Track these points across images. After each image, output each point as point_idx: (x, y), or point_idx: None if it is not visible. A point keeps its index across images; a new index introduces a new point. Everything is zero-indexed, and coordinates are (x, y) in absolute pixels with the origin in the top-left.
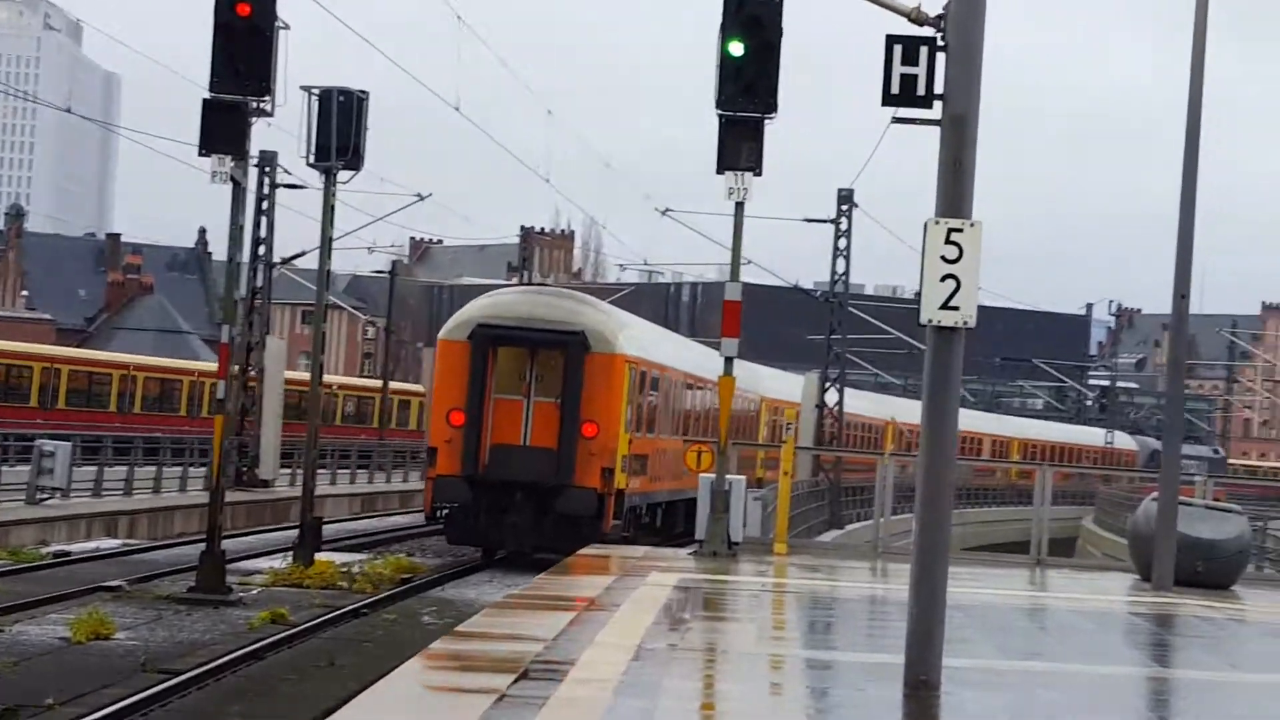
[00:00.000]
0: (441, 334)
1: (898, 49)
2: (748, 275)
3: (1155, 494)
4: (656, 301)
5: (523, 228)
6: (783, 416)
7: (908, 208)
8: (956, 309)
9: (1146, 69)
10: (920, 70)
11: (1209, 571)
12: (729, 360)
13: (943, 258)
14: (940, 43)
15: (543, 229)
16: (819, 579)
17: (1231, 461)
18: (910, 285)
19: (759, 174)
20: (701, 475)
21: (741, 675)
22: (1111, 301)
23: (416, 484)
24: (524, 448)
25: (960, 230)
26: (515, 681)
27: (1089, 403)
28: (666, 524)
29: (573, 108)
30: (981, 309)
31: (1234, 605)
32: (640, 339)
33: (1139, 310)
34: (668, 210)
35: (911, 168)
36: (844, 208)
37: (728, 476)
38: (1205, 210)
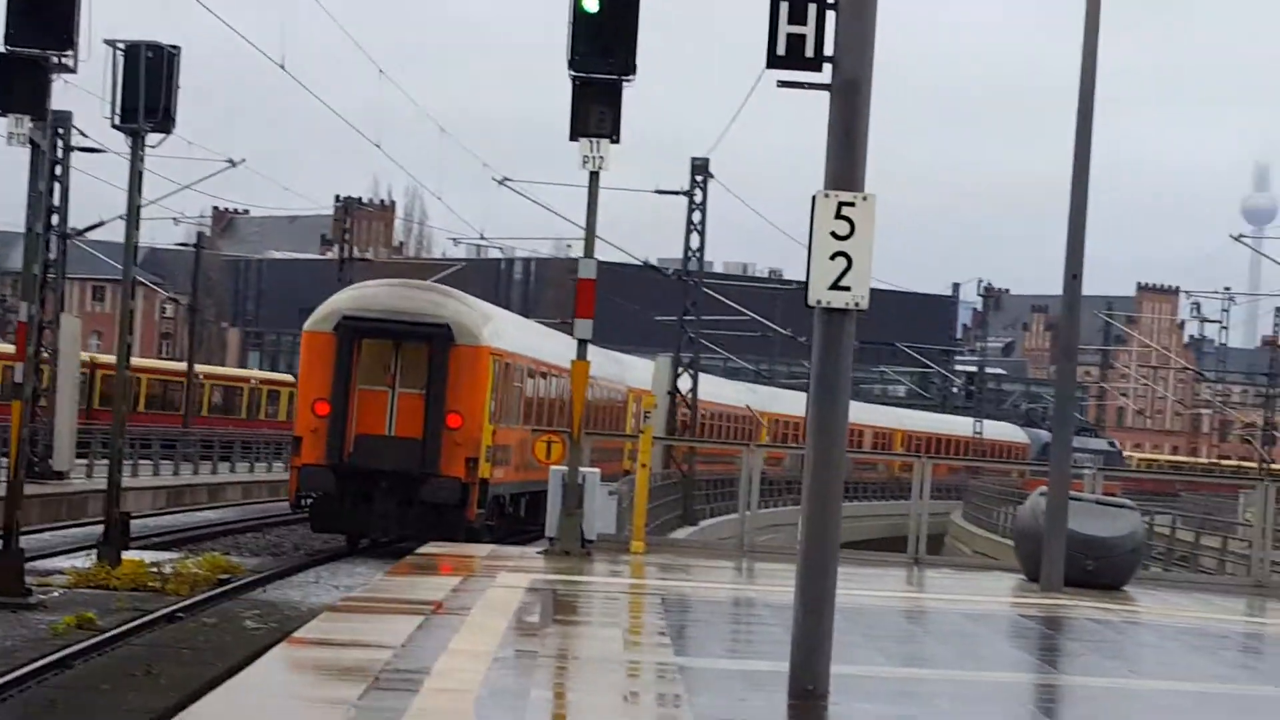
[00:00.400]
0: (307, 325)
1: (784, 6)
2: (609, 253)
3: (1043, 489)
4: (487, 278)
5: (338, 198)
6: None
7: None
8: (848, 289)
9: (1036, 46)
10: (809, 30)
11: (1100, 571)
12: (583, 343)
13: (833, 234)
14: (830, 0)
15: (360, 199)
16: (682, 580)
17: (1129, 454)
18: (762, 262)
19: (616, 141)
20: (552, 468)
21: (613, 685)
22: (981, 281)
23: (228, 476)
24: (389, 438)
25: (852, 204)
26: (366, 692)
27: (955, 389)
28: (531, 515)
29: (408, 69)
30: None
31: (1128, 606)
32: (505, 331)
33: (1007, 291)
34: (505, 179)
35: (774, 139)
36: (698, 179)
37: (581, 469)
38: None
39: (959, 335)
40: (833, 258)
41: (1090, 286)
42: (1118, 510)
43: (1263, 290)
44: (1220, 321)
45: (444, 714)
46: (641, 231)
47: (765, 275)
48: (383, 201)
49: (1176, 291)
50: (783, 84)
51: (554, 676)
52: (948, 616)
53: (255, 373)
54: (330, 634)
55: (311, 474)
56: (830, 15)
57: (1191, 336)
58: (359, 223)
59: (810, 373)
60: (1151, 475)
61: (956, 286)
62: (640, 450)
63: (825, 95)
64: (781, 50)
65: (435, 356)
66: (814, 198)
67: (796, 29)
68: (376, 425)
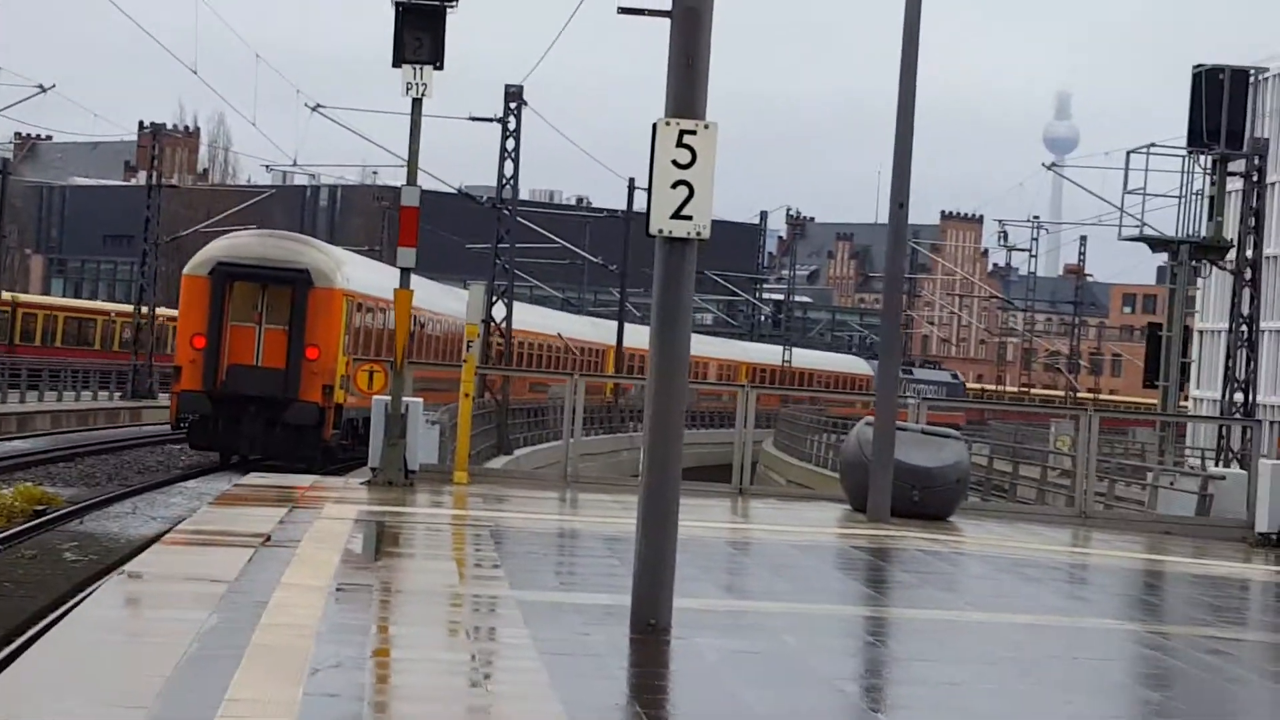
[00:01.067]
0: (186, 270)
1: None
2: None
3: (869, 419)
4: (293, 206)
5: (143, 124)
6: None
7: (573, 109)
8: (689, 218)
9: None
10: None
11: (926, 501)
12: (405, 271)
13: (674, 162)
14: None
15: (165, 125)
16: (509, 511)
17: (972, 386)
18: (568, 190)
19: (440, 67)
20: (375, 397)
21: (451, 619)
22: (790, 208)
23: (36, 405)
24: (256, 367)
25: (694, 132)
26: (205, 628)
27: (764, 318)
28: None
29: None
30: (643, 216)
31: (955, 537)
32: (357, 275)
33: (812, 219)
34: (318, 106)
35: (587, 66)
36: (512, 105)
37: (405, 399)
38: (885, 114)
39: (765, 264)
40: (674, 186)
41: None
42: (943, 440)
43: (1065, 219)
44: (1029, 250)
45: (285, 650)
46: (453, 158)
47: (572, 203)
48: (187, 128)
49: (980, 220)
50: (623, 10)
51: (392, 611)
52: (779, 548)
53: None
54: (162, 567)
55: (189, 399)
56: None
57: (995, 265)
58: (164, 149)
59: (652, 302)
60: (978, 405)
61: (764, 215)
62: (463, 380)
63: (655, 24)
64: None
65: (296, 297)
66: (655, 125)
67: None
68: (246, 356)
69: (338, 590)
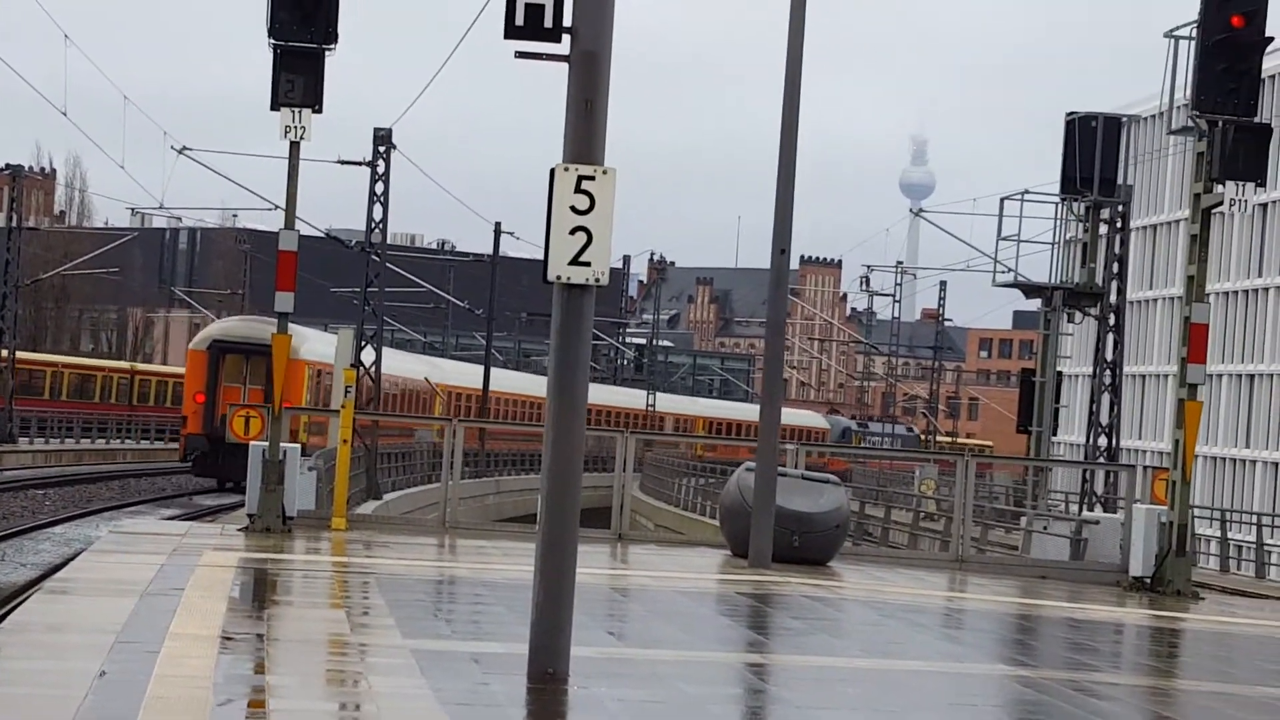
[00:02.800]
0: (190, 346)
1: None
2: (274, 223)
3: (749, 463)
4: (152, 249)
5: (8, 165)
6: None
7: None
8: (588, 264)
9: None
10: (547, 1)
11: (806, 546)
12: (283, 316)
13: (572, 208)
14: None
15: (22, 166)
16: (391, 558)
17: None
18: (431, 234)
19: (319, 111)
20: (252, 443)
21: (352, 668)
22: (654, 253)
23: None
24: None
25: (592, 178)
26: (97, 681)
27: (627, 362)
28: None
29: (94, 36)
30: (509, 260)
31: (837, 582)
32: (317, 349)
33: (673, 263)
34: (185, 149)
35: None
36: (381, 149)
37: (282, 445)
38: (747, 160)
39: (626, 307)
40: (573, 232)
41: (754, 259)
42: (822, 485)
43: (922, 264)
44: (893, 295)
45: (184, 702)
46: (318, 201)
47: (434, 247)
48: (43, 169)
49: (839, 264)
50: (520, 55)
51: (288, 661)
52: (666, 595)
53: None
54: (44, 617)
55: (194, 440)
56: None
57: (854, 309)
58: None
59: (550, 349)
60: (856, 451)
61: (626, 259)
62: (341, 426)
63: (539, 67)
64: (520, 20)
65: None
66: (552, 171)
67: None
68: None
69: (228, 640)
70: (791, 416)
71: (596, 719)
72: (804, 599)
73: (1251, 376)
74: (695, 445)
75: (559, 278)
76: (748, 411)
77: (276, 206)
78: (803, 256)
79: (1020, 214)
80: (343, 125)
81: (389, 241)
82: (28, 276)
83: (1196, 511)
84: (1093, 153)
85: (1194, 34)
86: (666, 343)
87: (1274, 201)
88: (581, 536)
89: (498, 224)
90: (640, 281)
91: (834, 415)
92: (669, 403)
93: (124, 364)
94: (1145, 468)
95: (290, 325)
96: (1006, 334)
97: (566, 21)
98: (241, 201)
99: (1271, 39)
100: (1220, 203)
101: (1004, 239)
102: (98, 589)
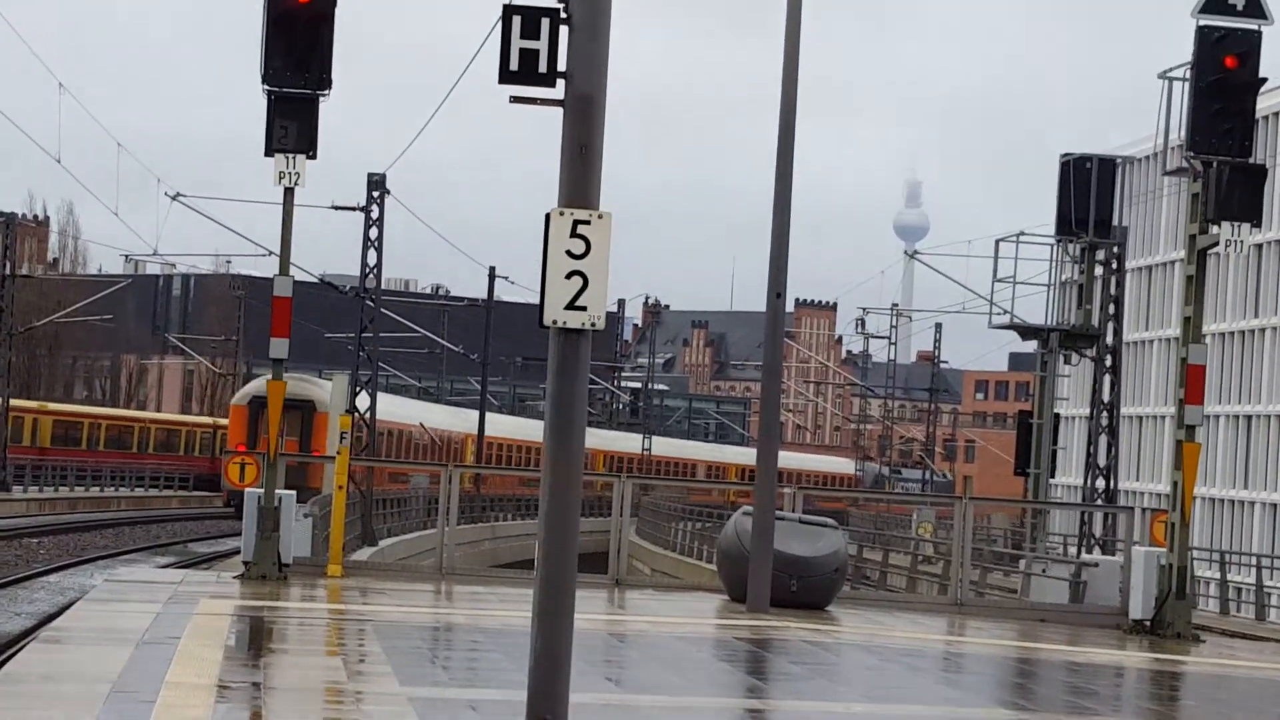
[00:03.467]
0: (232, 402)
1: (517, 20)
2: (268, 269)
3: (747, 507)
4: (146, 296)
5: (0, 213)
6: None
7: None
8: (584, 309)
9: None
10: (542, 45)
11: (804, 591)
12: (278, 362)
13: (568, 252)
14: (564, 15)
15: (15, 214)
16: (387, 605)
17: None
18: (425, 279)
19: (313, 157)
20: (247, 490)
21: (347, 715)
22: (649, 296)
23: None
24: None
25: (588, 222)
26: None
27: (622, 406)
28: None
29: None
30: (504, 305)
31: (835, 627)
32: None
33: (668, 306)
34: (178, 195)
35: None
36: (375, 194)
37: (278, 491)
38: (742, 204)
39: (621, 351)
40: (568, 277)
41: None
42: (820, 529)
43: (917, 306)
44: (889, 337)
45: None
46: (311, 246)
47: (428, 291)
48: (36, 217)
49: (834, 307)
50: (515, 99)
51: (285, 710)
52: (663, 640)
53: None
54: (39, 666)
55: (235, 490)
56: (563, 30)
57: (849, 352)
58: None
59: (546, 394)
60: (856, 494)
61: (621, 302)
62: (336, 472)
63: (534, 112)
64: (514, 65)
65: (304, 419)
66: (548, 215)
67: (529, 44)
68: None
69: (225, 689)
70: (821, 463)
71: None
72: (802, 644)
73: (1249, 417)
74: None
75: (555, 322)
76: (746, 455)
77: (271, 252)
78: (798, 299)
79: (1016, 256)
80: (337, 170)
81: (383, 286)
82: (21, 324)
83: (1196, 553)
84: (1088, 194)
85: (1188, 75)
86: (662, 386)
87: (1269, 242)
88: (579, 582)
89: (492, 268)
90: (635, 325)
91: (867, 462)
92: (666, 447)
93: (206, 419)
94: (1144, 509)
95: (324, 382)
96: (1002, 376)
97: (561, 66)
98: (235, 247)
99: (1265, 80)
100: (1216, 244)
101: (999, 281)
102: (93, 638)
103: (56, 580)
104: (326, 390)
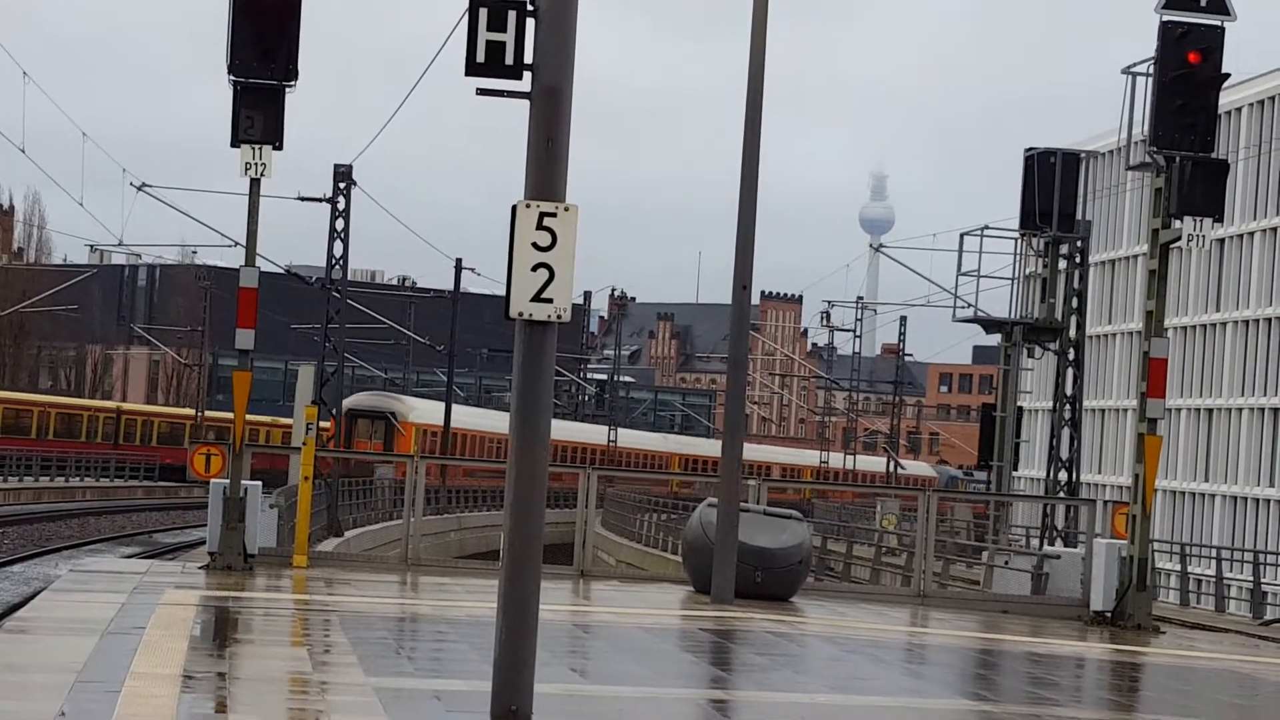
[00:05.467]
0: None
1: (484, 12)
2: (234, 259)
3: (711, 500)
4: (111, 286)
5: None
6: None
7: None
8: (550, 301)
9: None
10: (509, 38)
11: (768, 582)
12: (244, 353)
13: (534, 245)
14: (531, 7)
15: None
16: (353, 596)
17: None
18: (391, 270)
19: (279, 148)
20: (213, 481)
21: (313, 706)
22: (615, 289)
23: None
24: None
25: (554, 214)
26: (59, 717)
27: (588, 398)
28: None
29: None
30: (470, 296)
31: (800, 618)
32: (426, 412)
33: (634, 299)
34: (144, 185)
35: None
36: (342, 185)
37: (244, 482)
38: (707, 197)
39: (587, 343)
40: (535, 269)
41: (715, 295)
42: (785, 521)
43: (882, 299)
44: (854, 330)
45: None
46: (277, 238)
47: (394, 283)
48: (1, 206)
49: (800, 300)
50: (482, 92)
51: (249, 700)
52: (628, 631)
53: None
54: (6, 656)
55: None
56: (530, 23)
57: (814, 345)
58: None
59: (511, 385)
60: (820, 486)
61: (588, 295)
62: (302, 463)
63: (500, 104)
64: (481, 58)
65: (387, 428)
66: (514, 208)
67: (496, 36)
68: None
69: (190, 679)
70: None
71: None
72: (767, 635)
73: (1210, 410)
74: (672, 482)
75: (521, 314)
76: (711, 447)
77: (236, 243)
78: (763, 292)
79: (980, 249)
80: (303, 162)
81: (349, 278)
82: None
83: (1157, 546)
84: (1051, 188)
85: (1151, 70)
86: (628, 378)
87: (1231, 236)
88: (544, 573)
89: (458, 260)
90: (601, 317)
91: (942, 465)
92: (632, 439)
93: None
94: (1105, 502)
95: (402, 396)
96: (966, 369)
97: (528, 59)
98: (201, 238)
99: (1228, 75)
100: (1178, 238)
101: (964, 274)
102: (58, 628)
103: (21, 570)
104: (407, 404)
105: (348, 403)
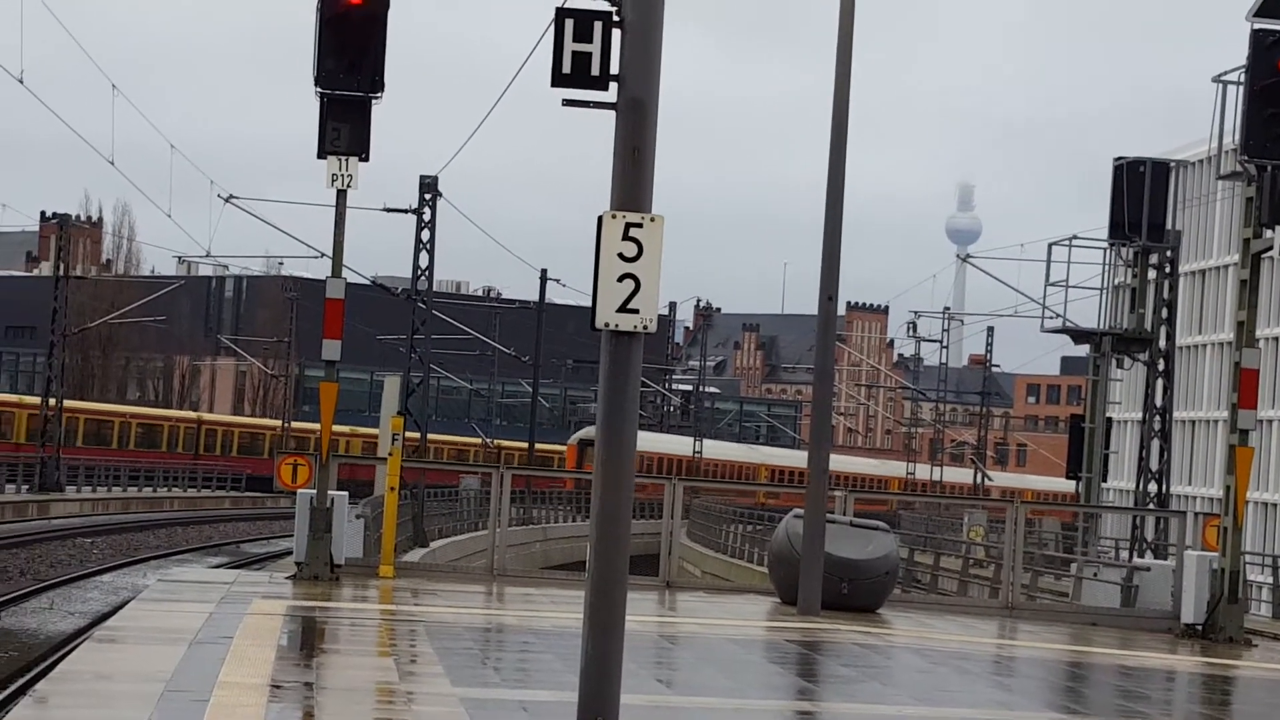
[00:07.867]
0: (568, 442)
1: (569, 23)
2: (320, 270)
3: (798, 510)
4: (199, 297)
5: (45, 214)
6: None
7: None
8: (636, 311)
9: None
10: (595, 48)
11: (855, 593)
12: (331, 364)
13: (620, 255)
14: (616, 18)
15: (71, 216)
16: (438, 606)
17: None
18: (476, 281)
19: (365, 159)
20: (300, 491)
21: (399, 716)
22: (700, 299)
23: None
24: None
25: (640, 225)
26: None
27: (673, 409)
28: None
29: (141, 86)
30: (555, 307)
31: (886, 629)
32: (670, 447)
33: (719, 310)
34: (231, 197)
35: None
36: (427, 197)
37: (330, 492)
38: (793, 207)
39: (673, 354)
40: (620, 280)
41: (800, 306)
42: (871, 532)
43: (969, 309)
44: (941, 341)
45: None
46: (363, 249)
47: (479, 294)
48: (90, 218)
49: (886, 311)
50: (568, 103)
51: (338, 710)
52: (714, 642)
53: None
54: (95, 665)
55: None
56: (616, 34)
57: (900, 355)
58: (69, 239)
59: (597, 396)
60: (906, 497)
61: (673, 305)
62: (389, 473)
63: (586, 115)
64: (567, 69)
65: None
66: (600, 219)
67: (582, 47)
68: None
69: (278, 689)
70: (1039, 483)
71: None
72: (853, 646)
73: None
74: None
75: (607, 325)
76: (797, 458)
77: (323, 254)
78: (849, 303)
79: (1068, 259)
80: (389, 173)
81: (435, 289)
82: (75, 325)
83: (1248, 558)
84: (1141, 198)
85: (1242, 79)
86: (713, 389)
87: None
88: (629, 583)
89: (543, 270)
90: (686, 328)
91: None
92: (717, 450)
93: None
94: (1196, 514)
95: (642, 432)
96: (1054, 380)
97: (614, 69)
98: (287, 249)
99: None
100: (1270, 247)
101: (1052, 285)
102: (146, 637)
103: (110, 579)
104: (653, 440)
105: (581, 433)
